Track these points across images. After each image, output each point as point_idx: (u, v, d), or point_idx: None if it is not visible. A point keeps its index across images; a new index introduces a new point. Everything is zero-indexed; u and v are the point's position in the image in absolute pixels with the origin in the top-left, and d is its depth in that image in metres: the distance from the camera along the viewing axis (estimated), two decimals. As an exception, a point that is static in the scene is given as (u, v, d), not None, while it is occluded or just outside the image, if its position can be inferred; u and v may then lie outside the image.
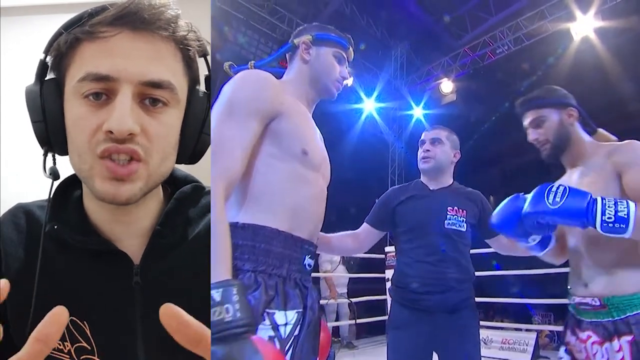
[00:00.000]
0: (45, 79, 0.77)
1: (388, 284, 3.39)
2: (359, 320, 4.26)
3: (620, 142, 1.31)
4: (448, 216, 1.70)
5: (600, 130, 1.42)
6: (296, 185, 1.03)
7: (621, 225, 1.05)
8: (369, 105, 7.26)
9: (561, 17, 5.47)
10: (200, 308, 0.70)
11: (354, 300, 4.51)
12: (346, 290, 4.95)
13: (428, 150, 1.81)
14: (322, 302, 4.56)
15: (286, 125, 1.03)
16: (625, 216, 1.05)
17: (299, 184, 1.04)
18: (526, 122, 1.40)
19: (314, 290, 1.07)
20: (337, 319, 4.79)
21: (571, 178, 1.36)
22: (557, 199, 1.10)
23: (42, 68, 0.77)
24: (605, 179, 1.23)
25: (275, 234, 0.97)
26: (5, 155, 1.72)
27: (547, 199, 1.11)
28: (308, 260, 1.05)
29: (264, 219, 0.97)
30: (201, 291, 0.75)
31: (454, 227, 1.70)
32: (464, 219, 1.72)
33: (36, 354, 0.44)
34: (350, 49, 1.26)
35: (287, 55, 1.24)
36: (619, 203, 1.07)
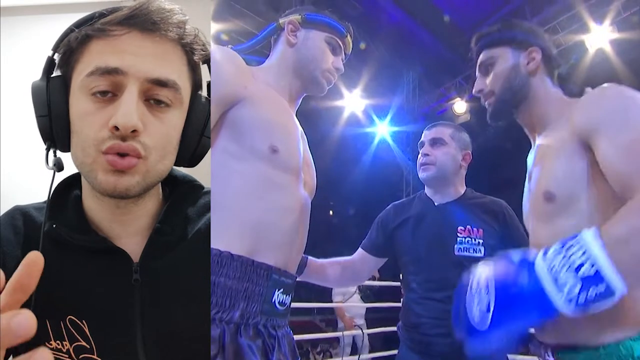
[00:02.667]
0: (52, 75, 0.78)
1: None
2: (376, 354, 4.05)
3: (585, 95, 0.88)
4: (459, 239, 1.33)
5: (589, 90, 0.92)
6: (261, 192, 0.82)
7: (603, 300, 0.59)
8: (382, 129, 7.18)
9: (574, 30, 5.35)
10: (200, 306, 0.73)
11: (370, 331, 4.32)
12: (364, 322, 4.75)
13: (427, 155, 1.44)
14: (337, 334, 4.39)
15: (249, 114, 0.84)
16: (601, 291, 0.58)
17: (265, 191, 0.82)
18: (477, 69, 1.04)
19: (287, 337, 0.82)
20: (354, 352, 4.59)
21: (531, 156, 0.98)
22: (487, 320, 0.64)
23: (50, 64, 0.78)
24: (568, 154, 0.82)
25: (225, 259, 0.75)
26: (5, 155, 1.72)
27: (474, 321, 0.67)
28: (280, 297, 0.80)
29: (211, 238, 0.77)
30: (200, 289, 0.76)
31: (467, 254, 1.32)
32: (481, 241, 1.33)
33: (15, 303, 0.45)
34: (349, 37, 1.04)
35: (272, 40, 1.04)
36: (575, 261, 0.60)
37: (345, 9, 5.58)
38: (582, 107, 0.84)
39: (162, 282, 0.78)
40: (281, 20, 1.02)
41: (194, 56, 0.81)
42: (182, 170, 0.90)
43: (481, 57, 1.02)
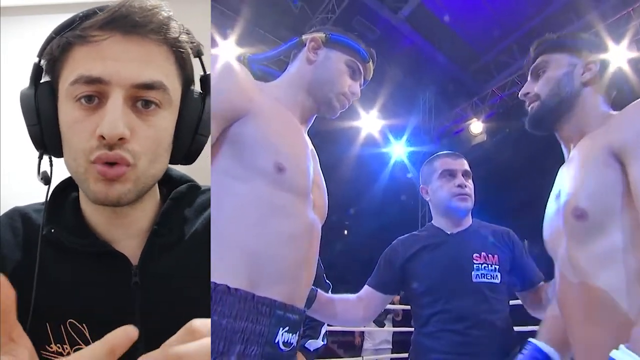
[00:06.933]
0: (40, 82, 0.78)
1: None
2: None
3: (625, 108, 0.82)
4: (475, 265, 1.31)
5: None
6: (263, 216, 0.74)
7: None
8: (398, 150, 7.19)
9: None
10: (199, 306, 0.70)
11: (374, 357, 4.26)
12: (390, 346, 4.70)
13: (466, 186, 1.39)
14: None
15: (254, 129, 0.78)
16: None
17: (268, 215, 0.75)
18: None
19: None
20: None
21: (562, 172, 0.91)
22: None
23: (37, 71, 0.78)
24: (600, 165, 0.77)
25: (221, 293, 0.68)
26: (5, 155, 1.72)
27: None
28: (284, 336, 0.70)
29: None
30: (200, 289, 0.74)
31: (485, 280, 1.29)
32: (497, 267, 1.31)
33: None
34: (371, 63, 1.01)
35: (292, 54, 1.01)
36: None
37: (364, 33, 5.66)
38: (618, 121, 0.80)
39: (161, 284, 0.77)
40: (304, 37, 0.99)
41: (182, 53, 0.78)
42: (180, 169, 0.89)
43: (537, 61, 0.96)
